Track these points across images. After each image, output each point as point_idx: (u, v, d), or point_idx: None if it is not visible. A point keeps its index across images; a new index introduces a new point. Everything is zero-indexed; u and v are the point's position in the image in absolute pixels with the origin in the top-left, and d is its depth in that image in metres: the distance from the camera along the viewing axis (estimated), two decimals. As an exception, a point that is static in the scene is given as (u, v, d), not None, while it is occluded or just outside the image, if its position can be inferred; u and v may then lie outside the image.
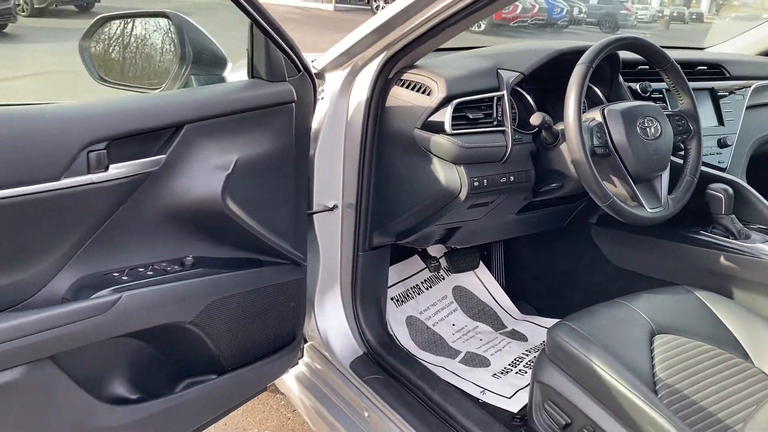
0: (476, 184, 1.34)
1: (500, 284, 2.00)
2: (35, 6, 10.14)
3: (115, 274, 1.05)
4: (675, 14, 40.44)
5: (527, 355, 1.74)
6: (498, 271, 2.02)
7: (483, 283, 1.97)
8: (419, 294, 1.91)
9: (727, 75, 1.89)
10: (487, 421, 1.33)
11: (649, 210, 1.34)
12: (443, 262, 1.99)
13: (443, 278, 1.97)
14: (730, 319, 1.33)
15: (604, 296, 1.38)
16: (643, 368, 1.18)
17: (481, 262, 2.00)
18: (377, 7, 17.22)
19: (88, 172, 0.96)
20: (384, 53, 1.37)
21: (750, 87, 1.88)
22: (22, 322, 0.92)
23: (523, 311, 1.95)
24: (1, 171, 0.88)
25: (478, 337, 1.82)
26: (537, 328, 1.87)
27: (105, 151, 0.98)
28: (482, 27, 15.62)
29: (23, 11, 9.91)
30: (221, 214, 1.14)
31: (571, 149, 1.28)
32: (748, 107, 1.85)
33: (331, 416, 1.51)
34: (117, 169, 1.00)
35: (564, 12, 20.70)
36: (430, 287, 1.93)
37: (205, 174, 1.12)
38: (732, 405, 1.12)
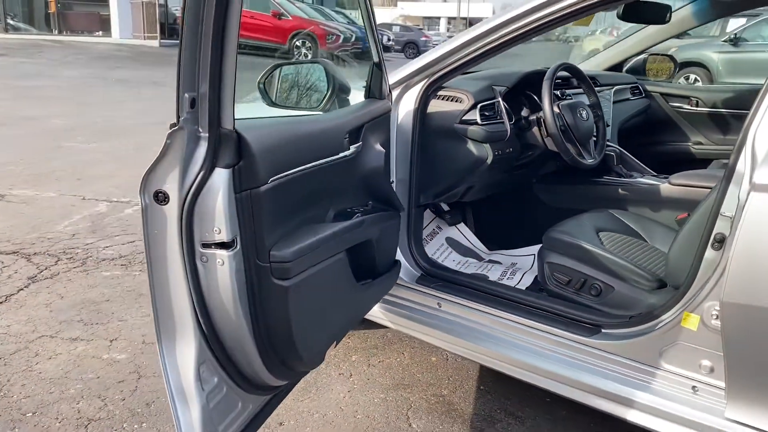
0: (497, 153, 2.25)
1: (473, 233, 2.91)
2: None
3: (348, 209, 1.80)
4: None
5: (507, 270, 2.65)
6: (471, 225, 2.93)
7: (463, 234, 2.87)
8: (426, 245, 2.75)
9: (598, 83, 2.99)
10: (515, 290, 2.21)
11: (588, 161, 2.35)
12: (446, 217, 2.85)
13: (438, 233, 2.83)
14: (629, 220, 2.36)
15: (544, 227, 2.32)
16: (599, 244, 2.15)
17: (462, 221, 2.90)
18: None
19: (345, 150, 1.72)
20: (425, 80, 2.22)
21: (612, 89, 3.01)
22: (342, 227, 1.65)
23: (491, 248, 2.87)
24: (324, 148, 1.62)
25: (471, 266, 2.70)
26: (504, 257, 2.79)
27: (347, 138, 1.74)
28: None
29: None
30: (380, 178, 1.93)
31: (549, 128, 2.24)
32: (614, 102, 2.97)
33: (409, 314, 2.28)
34: (351, 149, 1.76)
35: (376, 40, 22.37)
36: (432, 239, 2.78)
37: (373, 154, 1.90)
38: (642, 253, 2.13)
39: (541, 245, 2.26)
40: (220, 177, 1.28)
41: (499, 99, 2.30)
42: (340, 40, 17.41)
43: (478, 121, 2.21)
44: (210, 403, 1.42)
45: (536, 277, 2.46)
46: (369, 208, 1.88)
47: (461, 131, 2.23)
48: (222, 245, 1.31)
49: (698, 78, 11.39)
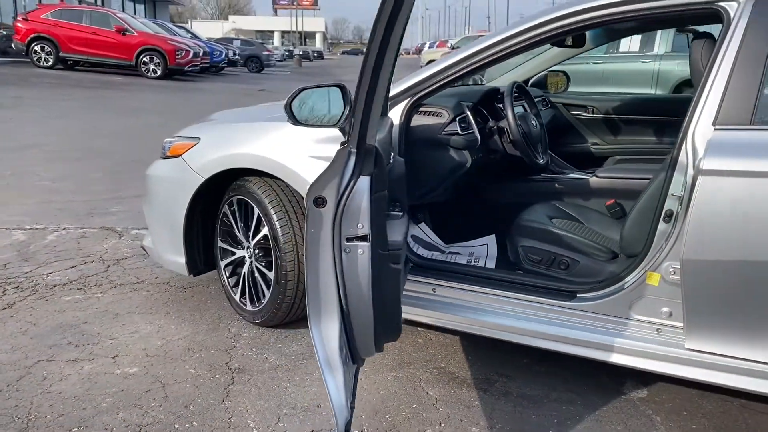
0: (474, 158, 2.67)
1: (432, 230, 3.30)
2: None
3: (391, 211, 2.12)
4: (302, 53, 45.22)
5: (470, 259, 3.08)
6: (429, 223, 3.32)
7: (424, 231, 3.25)
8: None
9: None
10: (499, 271, 2.64)
11: (541, 161, 2.85)
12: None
13: (404, 231, 3.19)
14: (568, 208, 2.88)
15: (490, 221, 2.78)
16: (553, 227, 2.64)
17: (422, 220, 3.29)
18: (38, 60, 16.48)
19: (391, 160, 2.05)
20: (409, 99, 2.60)
21: (540, 99, 3.57)
22: (407, 224, 1.97)
23: (447, 243, 3.29)
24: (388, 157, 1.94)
25: (438, 258, 3.10)
26: (461, 248, 3.22)
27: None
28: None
29: None
30: (402, 183, 2.27)
31: (513, 134, 2.71)
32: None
33: (409, 300, 2.62)
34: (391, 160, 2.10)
35: (223, 55, 22.24)
36: (400, 237, 3.14)
37: (398, 162, 2.24)
38: (586, 233, 2.66)
39: (507, 233, 2.71)
40: (363, 183, 1.57)
41: (468, 112, 2.73)
42: (190, 55, 17.14)
43: (459, 131, 2.62)
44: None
45: (497, 260, 2.91)
46: (399, 209, 2.22)
47: (444, 141, 2.62)
48: (362, 238, 1.60)
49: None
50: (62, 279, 3.51)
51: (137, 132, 9.05)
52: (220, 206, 3.00)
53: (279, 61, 36.68)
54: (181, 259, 3.05)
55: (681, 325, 2.19)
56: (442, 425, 2.22)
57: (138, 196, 5.26)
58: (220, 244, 3.06)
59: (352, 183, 1.56)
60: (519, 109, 3.01)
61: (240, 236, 2.96)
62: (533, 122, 2.91)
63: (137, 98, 13.29)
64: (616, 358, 2.29)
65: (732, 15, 2.11)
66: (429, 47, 52.22)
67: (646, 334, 2.26)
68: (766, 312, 2.01)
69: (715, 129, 2.04)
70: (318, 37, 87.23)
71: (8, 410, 2.26)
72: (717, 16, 2.17)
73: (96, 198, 5.29)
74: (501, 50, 2.43)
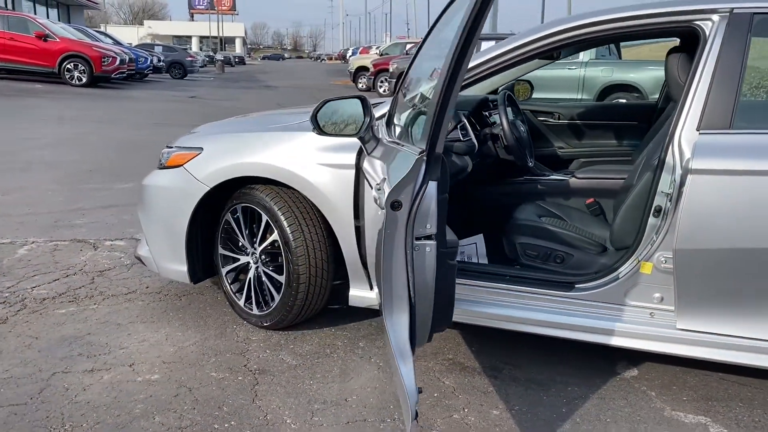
0: (474, 162, 2.87)
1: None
2: None
3: None
4: (223, 58, 44.75)
5: (462, 256, 3.28)
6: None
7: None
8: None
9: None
10: (501, 267, 2.84)
11: (530, 163, 3.09)
12: None
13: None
14: (551, 207, 3.13)
15: (477, 221, 2.99)
16: (548, 224, 2.88)
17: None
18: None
19: None
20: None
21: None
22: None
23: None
24: None
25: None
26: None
27: None
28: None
29: None
30: None
31: (508, 140, 2.93)
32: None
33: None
34: None
35: (148, 61, 21.73)
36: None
37: None
38: (571, 229, 2.91)
39: (497, 232, 2.93)
40: (432, 188, 1.73)
41: (465, 120, 2.93)
42: (117, 62, 16.69)
43: (460, 138, 2.82)
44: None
45: (487, 258, 3.12)
46: None
47: (448, 147, 2.81)
48: (429, 237, 1.75)
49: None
50: (49, 292, 3.47)
51: (77, 141, 8.81)
52: (221, 214, 3.07)
53: (201, 66, 36.07)
54: (183, 268, 3.10)
55: (672, 308, 2.45)
56: (466, 410, 2.39)
57: (102, 207, 5.22)
58: (221, 251, 3.14)
59: (423, 188, 1.72)
60: (511, 118, 3.24)
61: (244, 243, 3.05)
62: (522, 128, 3.15)
63: (65, 106, 12.84)
64: (615, 341, 2.53)
65: (708, 32, 2.40)
66: (352, 54, 52.61)
67: (640, 318, 2.52)
68: (751, 292, 2.30)
69: (700, 133, 2.32)
70: (238, 42, 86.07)
71: (41, 421, 2.28)
72: (694, 33, 2.46)
73: (57, 210, 5.18)
74: (505, 60, 2.63)
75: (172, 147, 3.19)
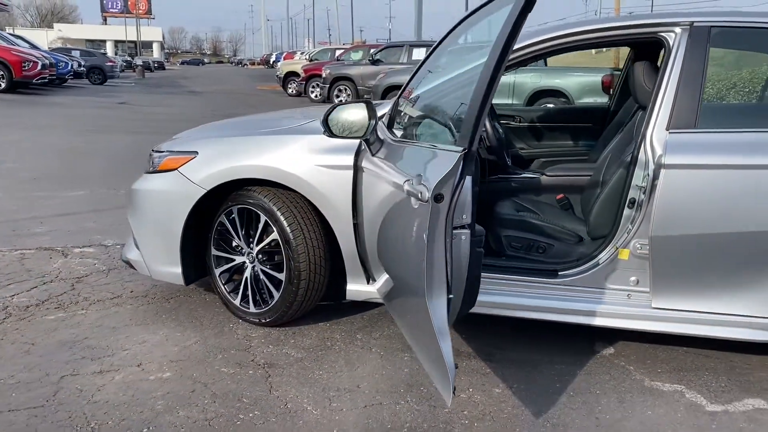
0: None
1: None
2: None
3: None
4: (143, 63, 43.60)
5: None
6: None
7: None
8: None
9: None
10: (489, 258, 3.06)
11: (509, 162, 3.33)
12: None
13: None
14: (525, 203, 3.38)
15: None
16: (530, 218, 3.13)
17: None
18: None
19: None
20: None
21: None
22: None
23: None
24: None
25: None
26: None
27: None
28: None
29: None
30: None
31: (492, 141, 3.15)
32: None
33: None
34: None
35: (69, 66, 21.01)
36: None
37: None
38: (545, 222, 3.18)
39: (490, 225, 3.15)
40: (468, 182, 1.91)
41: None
42: (38, 67, 16.08)
43: None
44: None
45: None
46: None
47: None
48: (464, 226, 1.94)
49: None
50: (31, 300, 3.45)
51: (12, 149, 8.50)
52: (215, 217, 3.15)
53: (121, 71, 35.00)
54: (177, 270, 3.17)
55: (647, 289, 2.73)
56: (471, 390, 2.59)
57: (58, 215, 5.15)
58: (214, 252, 3.22)
59: (462, 182, 1.90)
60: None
61: (240, 243, 3.14)
62: (500, 130, 3.39)
63: (-12, 114, 12.29)
64: (598, 321, 2.79)
65: (671, 43, 2.70)
66: (276, 59, 52.21)
67: (619, 300, 2.79)
68: (717, 272, 2.60)
69: (670, 132, 2.61)
70: (156, 46, 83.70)
71: (65, 421, 2.32)
72: (659, 43, 2.76)
73: (11, 219, 5.06)
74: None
75: (162, 151, 3.24)
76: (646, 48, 3.45)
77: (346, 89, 16.92)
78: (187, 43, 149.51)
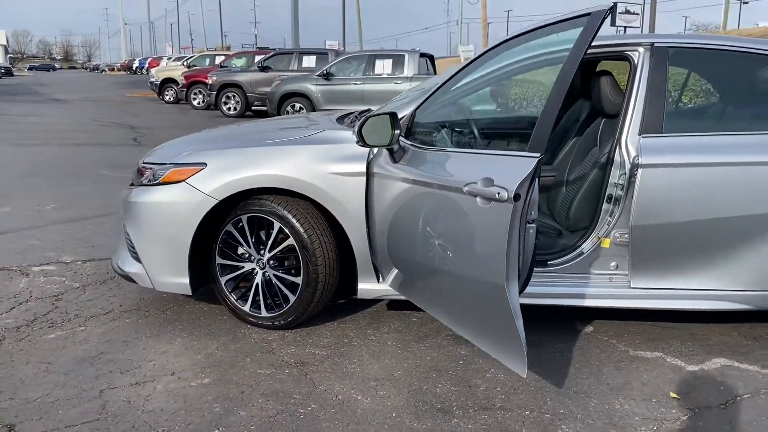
0: None
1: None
2: None
3: None
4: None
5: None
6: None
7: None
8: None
9: None
10: None
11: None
12: None
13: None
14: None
15: None
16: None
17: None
18: None
19: None
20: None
21: None
22: None
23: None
24: None
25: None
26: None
27: None
28: None
29: None
30: None
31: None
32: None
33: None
34: None
35: None
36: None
37: None
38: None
39: None
40: (536, 182, 2.20)
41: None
42: None
43: None
44: None
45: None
46: None
47: None
48: (532, 221, 2.23)
49: (303, 107, 13.60)
50: (17, 321, 3.34)
51: None
52: (221, 226, 3.24)
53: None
54: (185, 280, 3.22)
55: (626, 272, 3.17)
56: (493, 370, 2.90)
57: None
58: (219, 261, 3.30)
59: (534, 183, 2.20)
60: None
61: (249, 251, 3.25)
62: (476, 132, 3.74)
63: None
64: (586, 303, 3.20)
65: (636, 60, 3.17)
66: (140, 64, 49.98)
67: (602, 283, 3.21)
68: (687, 255, 3.09)
69: (642, 137, 3.07)
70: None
71: (131, 431, 2.36)
72: (626, 59, 3.22)
73: (-57, 240, 4.73)
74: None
75: (164, 164, 3.27)
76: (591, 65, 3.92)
77: (234, 96, 16.75)
78: (33, 47, 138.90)
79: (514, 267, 2.27)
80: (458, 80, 3.10)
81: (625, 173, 3.07)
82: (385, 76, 13.26)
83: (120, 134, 11.87)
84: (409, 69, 13.06)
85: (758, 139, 3.05)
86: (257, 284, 3.26)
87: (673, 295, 3.15)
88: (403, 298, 3.18)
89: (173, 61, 33.56)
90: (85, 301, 3.63)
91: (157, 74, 23.43)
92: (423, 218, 2.76)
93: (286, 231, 3.13)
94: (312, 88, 13.52)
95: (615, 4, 2.74)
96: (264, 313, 3.25)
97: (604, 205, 3.15)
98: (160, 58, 48.52)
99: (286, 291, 3.21)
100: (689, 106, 3.37)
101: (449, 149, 2.98)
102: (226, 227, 3.23)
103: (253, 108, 16.58)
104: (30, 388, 2.66)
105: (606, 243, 3.18)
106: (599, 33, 2.52)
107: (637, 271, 3.14)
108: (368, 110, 4.03)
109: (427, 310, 3.01)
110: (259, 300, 3.26)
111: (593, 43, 3.18)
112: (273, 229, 3.17)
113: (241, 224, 3.22)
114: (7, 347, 3.03)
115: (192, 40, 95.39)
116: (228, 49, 56.44)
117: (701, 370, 2.94)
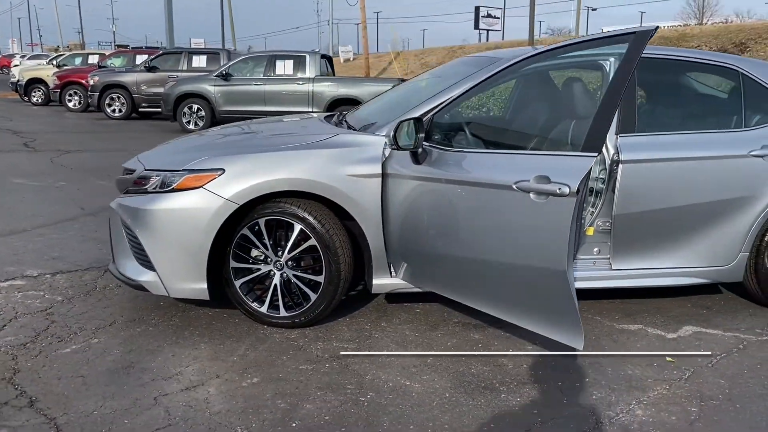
0: None
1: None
2: None
3: None
4: None
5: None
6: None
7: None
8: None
9: None
10: None
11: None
12: None
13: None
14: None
15: None
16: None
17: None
18: None
19: None
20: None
21: None
22: None
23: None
24: None
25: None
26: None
27: None
28: None
29: None
30: None
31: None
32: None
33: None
34: None
35: None
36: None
37: None
38: None
39: None
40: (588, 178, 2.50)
41: None
42: None
43: None
44: None
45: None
46: None
47: None
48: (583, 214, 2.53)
49: (201, 108, 13.32)
50: (19, 338, 3.22)
51: None
52: (236, 230, 3.30)
53: None
54: (203, 285, 3.25)
55: (608, 256, 3.60)
56: (510, 351, 3.20)
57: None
58: (233, 264, 3.35)
59: (588, 179, 2.50)
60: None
61: (267, 253, 3.33)
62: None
63: None
64: (575, 285, 3.58)
65: (607, 69, 3.61)
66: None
67: (587, 266, 3.61)
68: (661, 237, 3.55)
69: (619, 136, 3.49)
70: None
71: (214, 431, 2.43)
72: (599, 68, 3.65)
73: None
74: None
75: (177, 170, 3.27)
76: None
77: (119, 98, 15.99)
78: None
79: (572, 253, 2.57)
80: (482, 88, 3.30)
81: (605, 168, 3.48)
82: (286, 76, 13.26)
83: (6, 140, 11.02)
84: (310, 70, 13.16)
85: (704, 137, 3.57)
86: (275, 285, 3.35)
87: (649, 273, 3.60)
88: (416, 290, 3.40)
89: (28, 59, 31.30)
90: (80, 314, 3.53)
91: (22, 74, 21.76)
92: (457, 214, 3.00)
93: (307, 232, 3.25)
94: (210, 88, 13.25)
95: (657, 27, 3.14)
96: (283, 312, 3.35)
97: (588, 198, 3.55)
98: (12, 56, 44.87)
99: (306, 290, 3.33)
100: (646, 107, 3.84)
101: (482, 150, 3.27)
102: (242, 231, 3.29)
103: (140, 110, 15.91)
104: (80, 402, 2.61)
105: (590, 231, 3.58)
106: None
107: (617, 254, 3.56)
108: (346, 111, 4.23)
109: (453, 297, 3.25)
110: (276, 301, 3.35)
111: (570, 53, 3.59)
112: (293, 230, 3.27)
113: (257, 227, 3.29)
114: (26, 364, 2.93)
115: (40, 36, 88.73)
116: (83, 47, 53.10)
117: (680, 337, 3.40)
